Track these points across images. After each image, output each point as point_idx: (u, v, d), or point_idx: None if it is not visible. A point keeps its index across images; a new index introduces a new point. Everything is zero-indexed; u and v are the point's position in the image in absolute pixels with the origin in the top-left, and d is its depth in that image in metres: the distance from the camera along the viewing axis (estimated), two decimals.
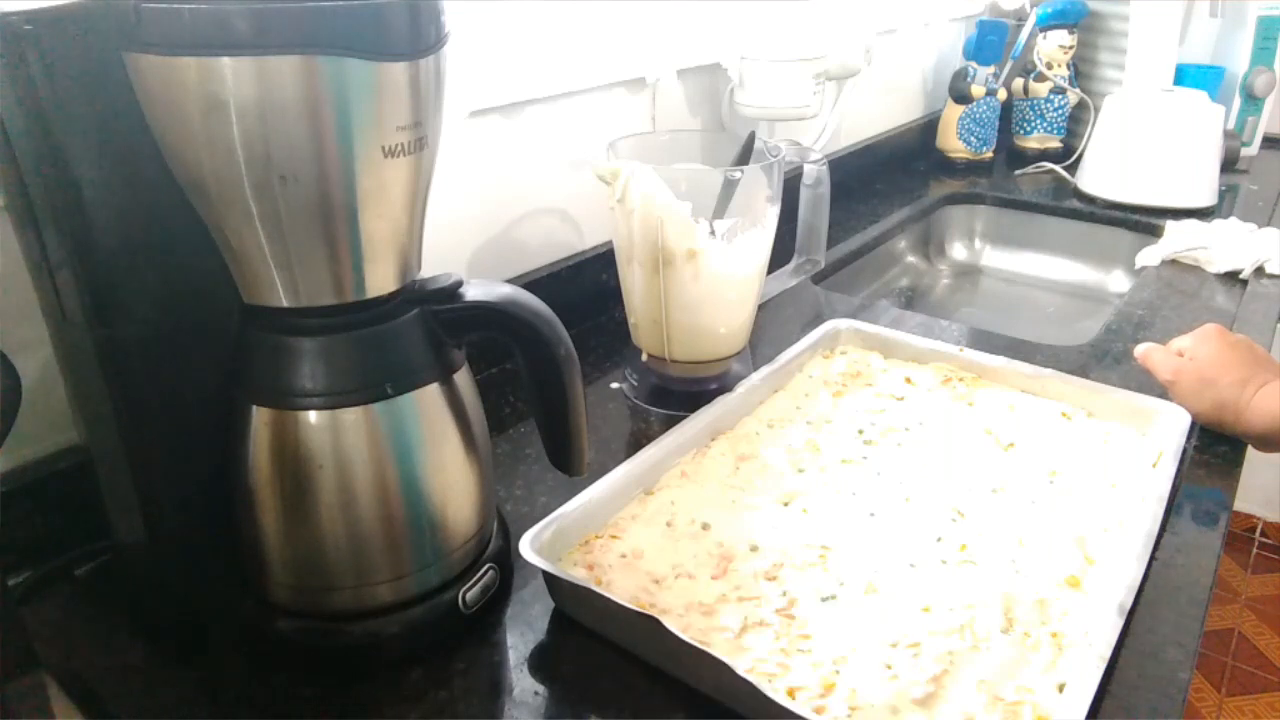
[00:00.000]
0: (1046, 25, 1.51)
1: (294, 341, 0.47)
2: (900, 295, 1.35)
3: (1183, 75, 1.43)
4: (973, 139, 1.51)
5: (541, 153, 0.87)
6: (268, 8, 0.39)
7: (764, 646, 0.51)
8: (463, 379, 0.53)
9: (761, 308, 0.84)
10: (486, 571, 0.55)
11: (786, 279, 0.92)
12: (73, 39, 0.41)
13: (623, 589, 0.55)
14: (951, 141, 1.52)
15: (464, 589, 0.53)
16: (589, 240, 0.95)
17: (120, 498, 0.51)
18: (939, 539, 0.61)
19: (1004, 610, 0.54)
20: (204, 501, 0.50)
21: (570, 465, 0.57)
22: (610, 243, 0.82)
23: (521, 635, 0.54)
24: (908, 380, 0.81)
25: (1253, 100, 1.49)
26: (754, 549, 0.60)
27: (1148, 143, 1.30)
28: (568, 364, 0.52)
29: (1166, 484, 0.63)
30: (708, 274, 0.73)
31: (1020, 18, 1.55)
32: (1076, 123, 1.55)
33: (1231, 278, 1.07)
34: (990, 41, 1.46)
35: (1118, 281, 1.31)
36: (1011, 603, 0.55)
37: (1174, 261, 1.12)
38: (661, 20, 0.95)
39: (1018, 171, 1.52)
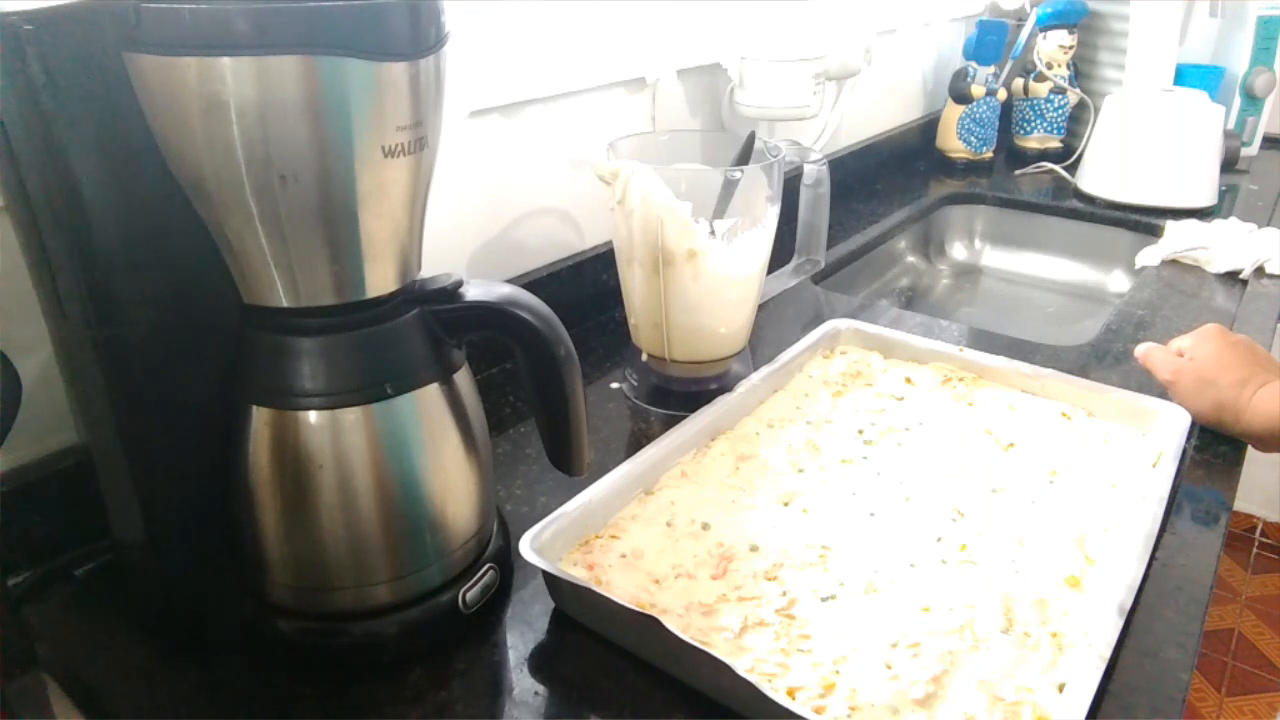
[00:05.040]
0: (1046, 25, 1.51)
1: (294, 341, 0.47)
2: (900, 295, 1.35)
3: (1183, 75, 1.43)
4: (973, 139, 1.51)
5: (541, 153, 0.87)
6: (268, 8, 0.39)
7: (764, 646, 0.51)
8: (463, 379, 0.53)
9: (761, 308, 0.84)
10: (486, 571, 0.55)
11: (786, 279, 0.92)
12: (73, 39, 0.41)
13: (622, 589, 0.55)
14: (951, 141, 1.52)
15: (464, 589, 0.53)
16: (589, 240, 0.95)
17: (120, 498, 0.51)
18: (939, 539, 0.61)
19: (1004, 610, 0.54)
20: (204, 501, 0.50)
21: (570, 465, 0.57)
22: (610, 243, 0.82)
23: (521, 635, 0.54)
24: (908, 380, 0.81)
25: (1253, 100, 1.49)
26: (754, 549, 0.60)
27: (1148, 143, 1.30)
28: (568, 364, 0.52)
29: (1166, 484, 0.63)
30: (708, 274, 0.73)
31: (1020, 18, 1.55)
32: (1076, 123, 1.55)
33: (1231, 278, 1.07)
34: (990, 41, 1.46)
35: (1118, 281, 1.31)
36: (1011, 603, 0.55)
37: (1174, 261, 1.12)
38: (661, 20, 0.95)
39: (1018, 171, 1.52)
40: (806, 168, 0.86)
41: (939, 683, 0.49)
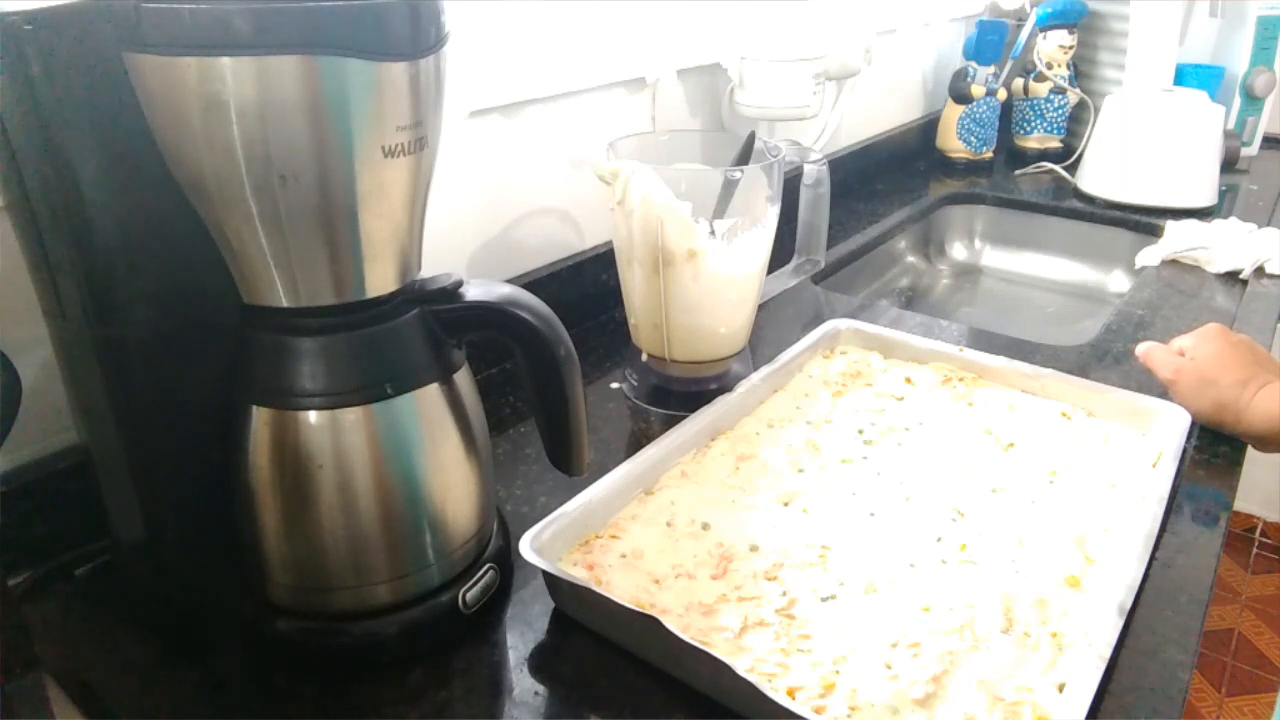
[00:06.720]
0: (1046, 25, 1.51)
1: (294, 341, 0.47)
2: (900, 295, 1.35)
3: (1183, 75, 1.43)
4: (973, 139, 1.51)
5: (541, 153, 0.87)
6: (268, 8, 0.39)
7: (764, 646, 0.51)
8: (463, 379, 0.53)
9: (761, 308, 0.84)
10: (486, 571, 0.55)
11: (786, 279, 0.92)
12: (73, 39, 0.41)
13: (623, 589, 0.55)
14: (951, 141, 1.52)
15: (464, 589, 0.53)
16: (589, 240, 0.95)
17: (120, 498, 0.51)
18: (939, 539, 0.61)
19: (1004, 610, 0.54)
20: (204, 501, 0.50)
21: (570, 465, 0.57)
22: (610, 243, 0.82)
23: (521, 635, 0.54)
24: (908, 380, 0.81)
25: (1253, 100, 1.49)
26: (754, 549, 0.60)
27: (1148, 143, 1.30)
28: (568, 364, 0.52)
29: (1166, 484, 0.63)
30: (708, 274, 0.73)
31: (1020, 18, 1.55)
32: (1076, 123, 1.55)
33: (1231, 278, 1.07)
34: (990, 41, 1.46)
35: (1118, 281, 1.31)
36: (1011, 603, 0.55)
37: (1174, 261, 1.12)
38: (661, 20, 0.95)
39: (1018, 171, 1.52)
40: (806, 168, 0.86)
41: (939, 683, 0.49)
